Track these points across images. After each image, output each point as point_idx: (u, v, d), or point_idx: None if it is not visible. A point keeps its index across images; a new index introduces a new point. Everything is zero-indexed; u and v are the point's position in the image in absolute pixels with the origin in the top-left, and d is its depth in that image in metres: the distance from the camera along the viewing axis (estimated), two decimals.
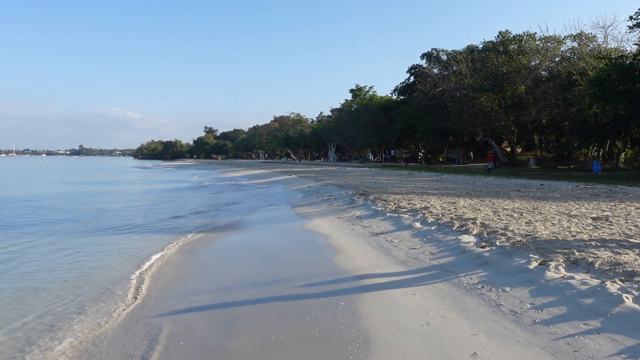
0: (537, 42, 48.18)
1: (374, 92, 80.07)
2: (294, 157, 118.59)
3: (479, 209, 11.51)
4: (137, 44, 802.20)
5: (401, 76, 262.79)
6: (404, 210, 11.99)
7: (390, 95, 73.80)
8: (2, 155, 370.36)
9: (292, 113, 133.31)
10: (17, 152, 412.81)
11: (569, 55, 44.34)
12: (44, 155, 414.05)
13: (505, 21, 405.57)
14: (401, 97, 67.49)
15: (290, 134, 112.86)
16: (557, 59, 45.46)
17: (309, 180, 27.40)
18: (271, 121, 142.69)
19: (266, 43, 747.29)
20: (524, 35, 50.42)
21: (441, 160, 62.58)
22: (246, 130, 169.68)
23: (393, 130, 61.25)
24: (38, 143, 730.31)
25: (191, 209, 18.82)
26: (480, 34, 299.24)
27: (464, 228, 8.84)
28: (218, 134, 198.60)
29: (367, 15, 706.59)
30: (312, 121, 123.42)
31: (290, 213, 14.95)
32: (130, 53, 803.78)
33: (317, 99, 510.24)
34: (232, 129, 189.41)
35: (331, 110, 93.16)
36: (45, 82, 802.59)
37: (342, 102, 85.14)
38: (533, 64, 46.08)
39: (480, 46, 55.57)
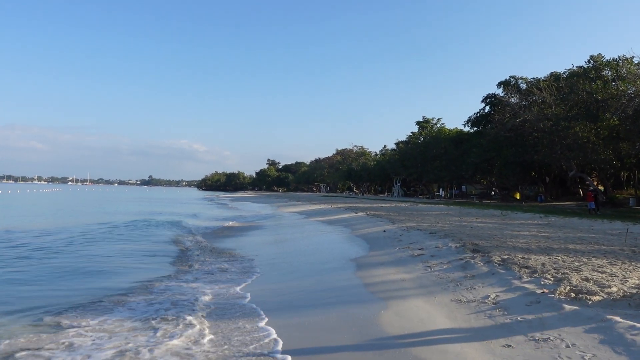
0: (636, 67, 42.51)
1: (442, 124, 75.65)
2: (357, 191, 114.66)
3: None
4: (205, 81, 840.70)
5: (469, 108, 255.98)
6: (595, 297, 6.56)
7: (461, 127, 69.18)
8: (78, 183, 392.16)
9: (355, 146, 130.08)
10: (92, 181, 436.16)
11: None
12: (116, 184, 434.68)
13: (592, 46, 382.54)
14: (475, 129, 62.76)
15: (354, 167, 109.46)
16: None
17: (381, 221, 22.65)
18: (333, 154, 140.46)
19: (329, 79, 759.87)
20: (620, 59, 44.93)
21: (519, 197, 56.56)
22: (308, 163, 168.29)
23: (467, 163, 56.38)
24: (111, 172, 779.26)
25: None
26: (562, 61, 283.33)
27: None
28: (280, 167, 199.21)
29: (438, 50, 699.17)
30: (376, 154, 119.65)
31: (355, 282, 9.09)
32: (197, 89, 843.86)
33: (380, 132, 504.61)
34: (293, 162, 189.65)
35: (396, 143, 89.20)
36: (118, 115, 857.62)
37: (408, 134, 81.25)
38: (631, 90, 40.48)
39: (566, 73, 50.27)
